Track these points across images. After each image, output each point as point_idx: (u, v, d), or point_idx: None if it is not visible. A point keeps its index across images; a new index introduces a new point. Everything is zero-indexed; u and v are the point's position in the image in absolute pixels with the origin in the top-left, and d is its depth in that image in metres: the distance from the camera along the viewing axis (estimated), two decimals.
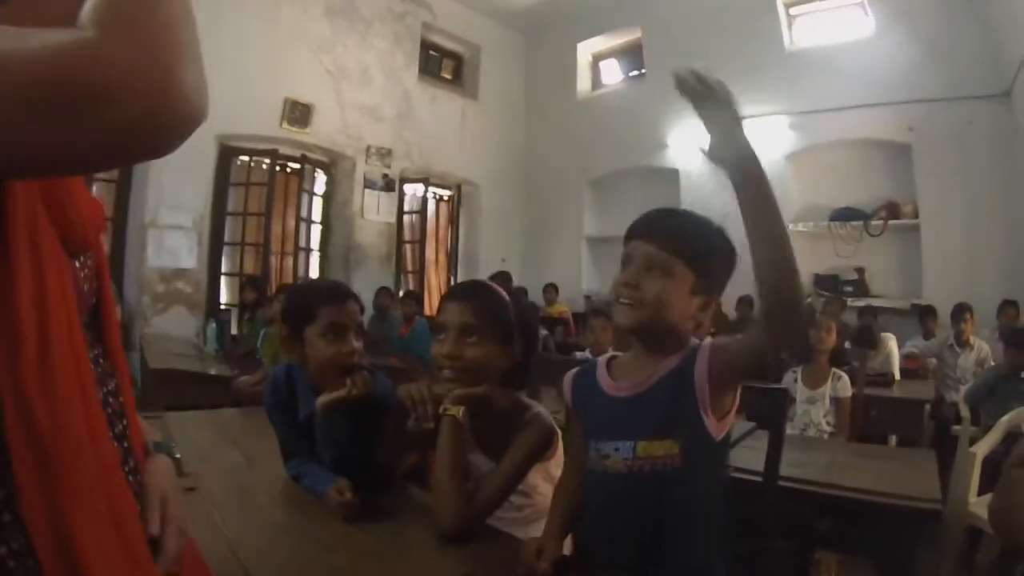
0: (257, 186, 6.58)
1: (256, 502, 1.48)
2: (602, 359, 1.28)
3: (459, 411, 1.32)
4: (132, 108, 0.44)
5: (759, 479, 1.72)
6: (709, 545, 1.14)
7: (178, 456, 0.89)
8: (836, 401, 3.20)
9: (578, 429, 1.27)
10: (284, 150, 6.71)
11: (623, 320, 1.16)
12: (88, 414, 0.60)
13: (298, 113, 6.62)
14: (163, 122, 0.46)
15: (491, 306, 1.39)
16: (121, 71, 0.43)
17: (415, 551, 1.26)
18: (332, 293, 1.56)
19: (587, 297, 8.27)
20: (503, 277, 7.04)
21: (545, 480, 1.40)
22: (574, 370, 1.32)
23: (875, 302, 6.06)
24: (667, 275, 1.13)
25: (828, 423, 3.17)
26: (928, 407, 3.89)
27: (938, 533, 1.89)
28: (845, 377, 3.23)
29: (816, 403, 3.21)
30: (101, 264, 0.71)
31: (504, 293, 1.45)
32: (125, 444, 0.70)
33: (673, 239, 1.14)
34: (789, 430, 2.58)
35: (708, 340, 1.15)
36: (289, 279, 6.66)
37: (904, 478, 2.01)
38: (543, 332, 5.64)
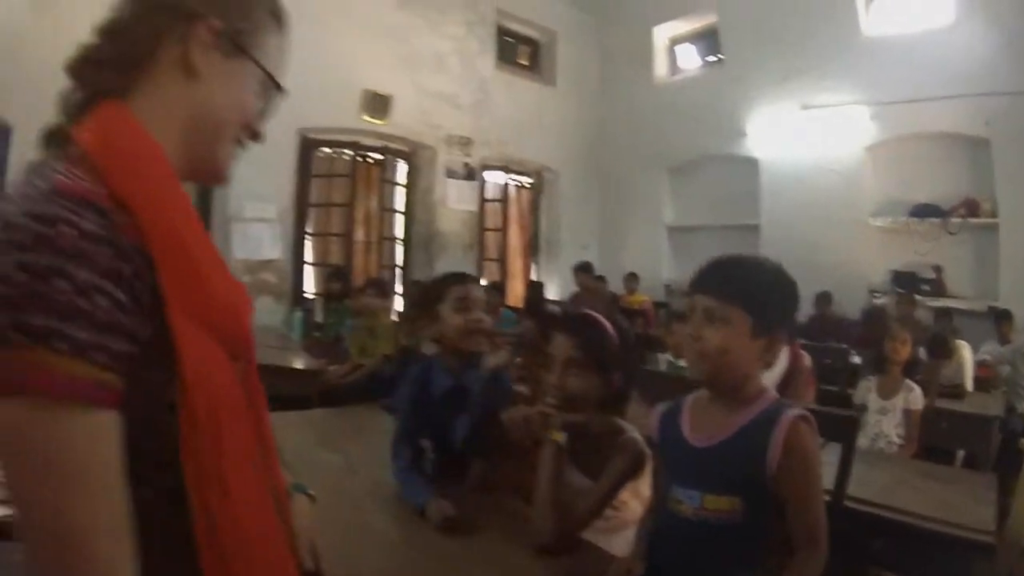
0: (340, 177, 6.87)
1: (362, 507, 1.63)
2: (689, 399, 1.35)
3: (562, 437, 1.50)
4: None
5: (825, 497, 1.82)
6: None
7: (311, 493, 1.07)
8: (907, 413, 3.20)
9: (661, 467, 1.39)
10: (365, 141, 6.92)
11: (694, 374, 1.28)
12: (259, 503, 0.73)
13: (377, 104, 6.76)
14: None
15: (594, 341, 1.56)
16: None
17: (509, 563, 1.37)
18: (458, 275, 1.87)
19: (667, 287, 8.16)
20: (586, 268, 7.15)
21: (633, 496, 1.53)
22: (662, 408, 1.39)
23: (951, 302, 5.92)
24: (726, 324, 1.19)
25: (899, 435, 3.18)
26: (998, 423, 3.78)
27: (993, 555, 1.96)
28: (917, 389, 3.23)
29: (888, 414, 3.22)
30: (251, 363, 0.83)
31: (610, 326, 1.60)
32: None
33: (727, 288, 1.21)
34: (859, 439, 2.62)
35: (792, 416, 1.18)
36: (373, 269, 6.94)
37: (963, 505, 2.06)
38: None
